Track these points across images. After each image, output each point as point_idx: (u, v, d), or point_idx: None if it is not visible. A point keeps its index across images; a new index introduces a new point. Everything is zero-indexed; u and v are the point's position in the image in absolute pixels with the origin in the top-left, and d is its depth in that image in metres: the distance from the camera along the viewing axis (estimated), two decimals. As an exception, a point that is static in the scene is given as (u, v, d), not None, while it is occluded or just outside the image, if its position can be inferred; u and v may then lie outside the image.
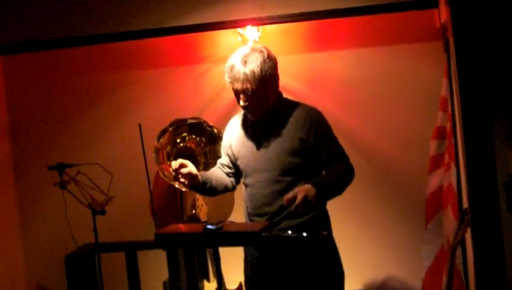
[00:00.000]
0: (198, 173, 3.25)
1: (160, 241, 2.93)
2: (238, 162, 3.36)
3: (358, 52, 4.58)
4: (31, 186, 4.88)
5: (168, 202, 4.71)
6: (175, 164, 3.17)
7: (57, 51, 4.67)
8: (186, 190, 3.72)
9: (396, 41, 4.51)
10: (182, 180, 3.21)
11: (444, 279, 3.78)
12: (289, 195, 2.96)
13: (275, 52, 3.23)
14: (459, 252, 3.95)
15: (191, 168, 3.20)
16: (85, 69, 4.82)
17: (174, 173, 3.19)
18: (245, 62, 3.10)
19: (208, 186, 3.33)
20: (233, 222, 3.33)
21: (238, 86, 3.12)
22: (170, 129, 4.34)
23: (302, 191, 2.95)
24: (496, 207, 2.99)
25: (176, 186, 4.15)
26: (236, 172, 3.43)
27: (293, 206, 2.92)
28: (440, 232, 4.21)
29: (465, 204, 3.74)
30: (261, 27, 4.45)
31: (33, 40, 4.29)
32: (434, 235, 4.25)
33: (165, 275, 4.33)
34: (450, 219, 3.98)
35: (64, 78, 4.84)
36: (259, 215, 3.23)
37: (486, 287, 3.06)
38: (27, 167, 4.89)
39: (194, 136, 4.44)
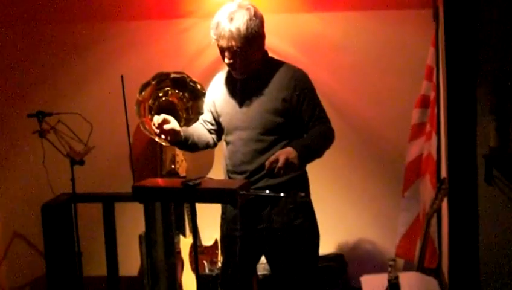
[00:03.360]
0: (180, 129, 3.23)
1: (138, 194, 2.92)
2: (221, 119, 3.34)
3: (347, 16, 4.54)
4: (9, 134, 4.83)
5: (148, 156, 4.70)
6: (157, 119, 3.15)
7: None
8: (167, 144, 3.70)
9: (386, 7, 4.47)
10: (164, 136, 3.19)
11: (418, 246, 3.82)
12: (271, 158, 2.96)
13: (264, 10, 3.20)
14: (434, 221, 3.99)
15: (173, 124, 3.18)
16: (69, 19, 4.72)
17: (156, 128, 3.16)
18: (231, 19, 3.06)
19: (189, 142, 3.31)
20: (211, 179, 3.32)
21: (224, 43, 3.09)
22: (153, 83, 4.31)
23: (283, 153, 2.95)
24: (473, 178, 3.02)
25: (157, 140, 4.15)
26: (218, 129, 3.42)
27: (276, 169, 2.92)
28: (417, 200, 4.25)
29: (444, 174, 3.76)
30: (251, -17, 4.39)
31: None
32: (411, 203, 4.28)
33: (141, 228, 4.33)
34: (427, 188, 4.01)
35: (46, 27, 4.74)
36: (239, 173, 3.24)
37: (459, 256, 3.10)
38: (6, 114, 4.82)
39: (176, 91, 4.41)
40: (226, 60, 3.16)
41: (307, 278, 3.27)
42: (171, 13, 4.65)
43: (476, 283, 3.06)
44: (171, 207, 4.26)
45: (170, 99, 4.42)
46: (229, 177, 3.30)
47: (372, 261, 4.60)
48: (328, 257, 4.51)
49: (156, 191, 2.96)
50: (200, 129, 3.43)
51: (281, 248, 3.23)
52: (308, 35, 4.58)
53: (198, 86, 4.37)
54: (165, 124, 3.15)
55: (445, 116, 3.15)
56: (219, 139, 3.47)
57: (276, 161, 2.92)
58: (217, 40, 3.13)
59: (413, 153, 4.28)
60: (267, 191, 3.05)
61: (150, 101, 4.32)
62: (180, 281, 4.36)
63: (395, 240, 4.34)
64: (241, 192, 2.76)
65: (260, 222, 3.22)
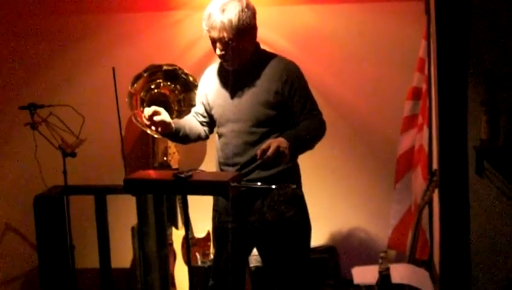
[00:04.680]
0: (171, 121, 3.23)
1: (129, 187, 2.92)
2: (213, 112, 3.34)
3: (339, 8, 4.53)
4: (1, 126, 4.81)
5: (140, 148, 4.69)
6: (148, 111, 3.15)
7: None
8: (159, 136, 3.70)
9: (378, -1, 4.49)
10: (154, 127, 3.19)
11: (409, 238, 3.83)
12: (263, 146, 2.96)
13: (256, 2, 3.19)
14: (425, 213, 4.00)
15: (164, 116, 3.17)
16: (60, 11, 4.70)
17: (146, 120, 3.16)
18: (223, 10, 3.06)
19: (181, 134, 3.31)
20: (203, 171, 3.32)
21: (215, 34, 3.09)
22: (145, 75, 4.30)
23: (275, 142, 2.95)
24: (464, 170, 3.03)
25: (148, 132, 4.14)
26: (210, 121, 3.42)
27: (265, 156, 2.91)
28: (409, 192, 4.26)
29: (435, 165, 3.77)
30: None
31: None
32: (403, 195, 4.29)
33: (133, 220, 4.33)
34: (418, 180, 4.02)
35: (38, 19, 4.72)
36: (230, 165, 3.24)
37: (450, 248, 3.11)
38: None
39: (168, 83, 4.41)
40: (218, 52, 3.16)
41: (299, 270, 3.28)
42: (163, 5, 4.64)
43: (467, 275, 3.07)
44: (163, 199, 4.26)
45: (162, 91, 4.42)
46: (221, 170, 3.31)
47: (364, 253, 4.61)
48: (320, 249, 4.52)
49: (147, 184, 2.95)
50: (192, 121, 3.43)
51: (273, 240, 3.23)
52: (300, 28, 4.57)
53: (190, 78, 4.37)
54: (155, 115, 3.15)
55: (437, 109, 3.15)
56: (211, 131, 3.48)
57: (268, 148, 2.92)
58: (209, 31, 3.12)
59: (405, 145, 4.28)
60: (259, 183, 3.06)
61: (142, 94, 4.32)
62: (173, 273, 4.37)
63: (387, 232, 4.35)
64: (232, 184, 2.77)
65: (252, 214, 3.23)
